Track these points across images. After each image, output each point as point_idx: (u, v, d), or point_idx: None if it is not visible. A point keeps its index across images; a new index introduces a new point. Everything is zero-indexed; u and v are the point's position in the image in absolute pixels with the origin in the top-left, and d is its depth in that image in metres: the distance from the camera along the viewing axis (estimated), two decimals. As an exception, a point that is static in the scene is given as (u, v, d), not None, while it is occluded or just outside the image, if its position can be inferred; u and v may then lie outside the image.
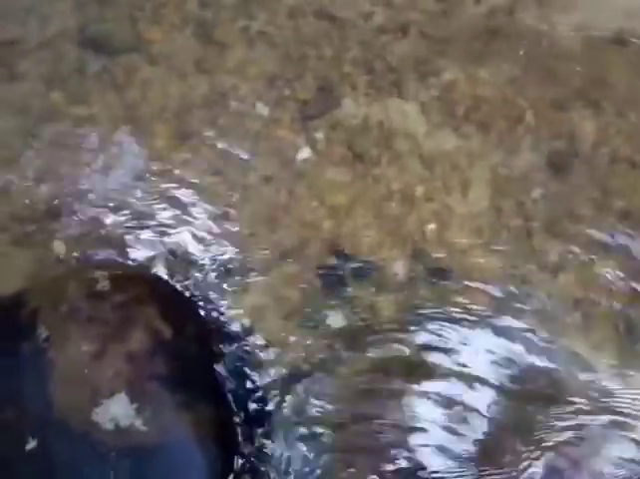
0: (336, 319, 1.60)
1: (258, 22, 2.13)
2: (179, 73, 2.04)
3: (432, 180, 1.82)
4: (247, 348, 1.58)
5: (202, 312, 1.62)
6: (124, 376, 1.25)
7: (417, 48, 2.06)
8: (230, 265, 1.72)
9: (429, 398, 1.50)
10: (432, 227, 1.74)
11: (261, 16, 2.14)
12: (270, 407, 1.50)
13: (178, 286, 1.64)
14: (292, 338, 1.59)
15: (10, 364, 1.28)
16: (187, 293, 1.64)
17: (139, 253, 1.73)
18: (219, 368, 1.51)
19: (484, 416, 1.48)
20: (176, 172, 1.86)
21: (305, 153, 1.88)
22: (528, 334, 1.58)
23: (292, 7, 2.16)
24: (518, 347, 1.56)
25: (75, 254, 1.70)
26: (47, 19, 2.11)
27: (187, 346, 1.37)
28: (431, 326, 1.59)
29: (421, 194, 1.79)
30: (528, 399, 1.50)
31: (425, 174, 1.83)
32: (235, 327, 1.63)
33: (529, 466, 1.43)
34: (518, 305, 1.61)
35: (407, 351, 1.55)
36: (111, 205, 1.80)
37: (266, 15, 2.14)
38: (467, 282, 1.65)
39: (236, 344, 1.58)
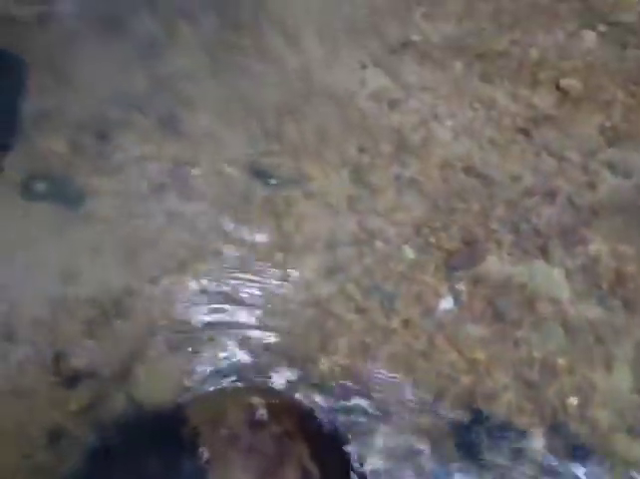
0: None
1: (410, 170, 2.28)
2: (332, 210, 2.19)
3: (574, 351, 1.81)
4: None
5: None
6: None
7: (563, 215, 2.12)
8: (361, 405, 1.75)
9: None
10: (573, 400, 1.72)
11: (413, 165, 2.29)
12: None
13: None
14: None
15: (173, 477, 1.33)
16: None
17: (278, 378, 1.80)
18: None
19: None
20: (321, 304, 1.95)
21: (447, 303, 1.93)
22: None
23: (443, 160, 2.30)
24: None
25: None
26: (221, 146, 2.34)
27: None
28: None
29: (563, 364, 1.78)
30: None
31: (567, 343, 1.83)
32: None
33: None
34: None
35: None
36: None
37: (418, 165, 2.29)
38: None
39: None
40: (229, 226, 2.10)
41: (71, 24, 2.82)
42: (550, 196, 2.18)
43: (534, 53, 2.71)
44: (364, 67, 2.67)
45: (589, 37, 2.78)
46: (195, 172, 2.25)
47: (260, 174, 2.25)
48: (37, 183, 2.14)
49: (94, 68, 2.61)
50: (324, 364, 1.81)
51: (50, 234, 2.06)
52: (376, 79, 2.62)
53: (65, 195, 2.12)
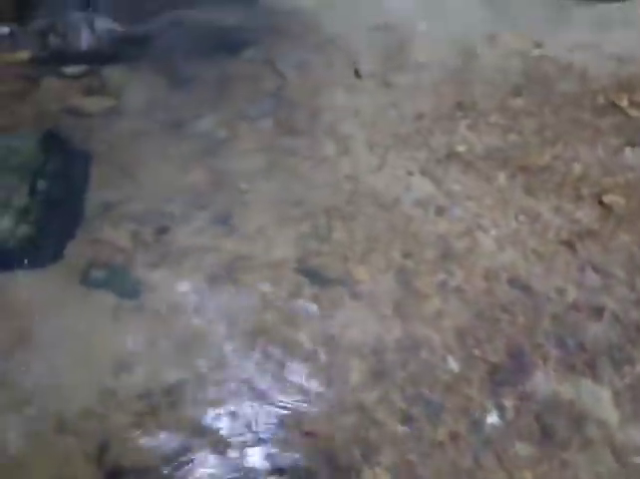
0: None
1: (455, 278, 2.33)
2: (378, 314, 2.23)
3: (624, 477, 1.77)
4: None
5: None
6: None
7: (610, 333, 2.13)
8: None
9: None
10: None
11: (458, 274, 2.34)
12: None
13: None
14: None
15: None
16: None
17: None
18: None
19: None
20: (366, 411, 1.95)
21: (493, 418, 1.92)
22: None
23: (488, 270, 2.34)
24: None
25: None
26: (273, 244, 2.43)
27: None
28: None
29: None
30: None
31: (618, 468, 1.79)
32: None
33: None
34: None
35: None
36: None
37: (463, 274, 2.34)
38: None
39: None
40: (275, 324, 2.15)
41: (137, 120, 3.02)
42: (596, 311, 2.19)
43: (577, 168, 2.80)
44: (410, 174, 2.79)
45: (631, 154, 2.87)
46: (247, 267, 2.33)
47: (309, 273, 2.32)
48: (96, 271, 2.24)
49: (156, 164, 2.77)
50: (367, 476, 1.79)
51: (105, 322, 2.13)
52: (422, 186, 2.73)
53: (122, 285, 2.21)
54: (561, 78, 3.45)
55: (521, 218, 2.55)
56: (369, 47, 3.68)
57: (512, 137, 3.00)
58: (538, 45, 3.76)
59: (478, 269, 2.35)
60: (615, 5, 4.25)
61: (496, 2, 4.27)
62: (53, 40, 3.28)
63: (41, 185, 2.42)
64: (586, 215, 2.56)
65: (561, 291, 2.26)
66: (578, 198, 2.65)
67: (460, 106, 3.22)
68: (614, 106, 3.16)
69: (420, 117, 3.14)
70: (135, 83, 3.23)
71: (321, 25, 3.87)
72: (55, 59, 3.23)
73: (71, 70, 3.18)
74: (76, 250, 2.33)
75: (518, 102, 3.26)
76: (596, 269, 2.33)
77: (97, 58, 3.27)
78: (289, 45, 3.67)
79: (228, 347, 2.09)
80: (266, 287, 2.26)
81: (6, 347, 2.03)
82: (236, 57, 3.50)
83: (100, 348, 2.06)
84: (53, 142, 2.61)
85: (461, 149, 2.92)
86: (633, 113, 3.11)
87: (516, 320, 2.19)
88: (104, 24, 3.35)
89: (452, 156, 2.88)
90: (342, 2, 4.16)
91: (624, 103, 3.17)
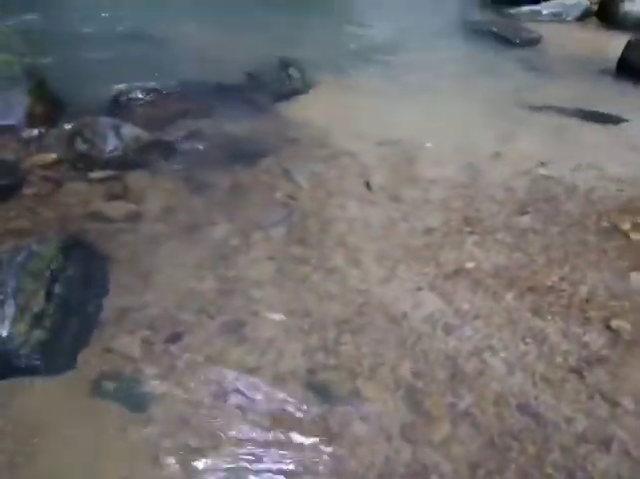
0: None
1: (464, 402, 2.32)
2: (386, 435, 2.20)
3: None
4: None
5: None
6: None
7: (620, 466, 2.09)
8: None
9: None
10: None
11: (468, 397, 2.34)
12: None
13: None
14: None
15: None
16: None
17: None
18: None
19: None
20: None
21: None
22: None
23: (498, 395, 2.34)
24: None
25: None
26: (281, 355, 2.45)
27: None
28: None
29: None
30: None
31: None
32: None
33: None
34: None
35: None
36: None
37: (472, 397, 2.33)
38: None
39: None
40: (282, 442, 2.13)
41: (156, 225, 3.12)
42: (605, 444, 2.16)
43: (584, 290, 2.85)
44: (419, 289, 2.84)
45: (637, 278, 2.93)
46: (255, 379, 2.33)
47: (316, 388, 2.32)
48: (106, 382, 2.24)
49: (171, 269, 2.84)
50: None
51: (111, 433, 2.11)
52: (431, 302, 2.77)
53: (131, 397, 2.21)
54: (566, 198, 3.58)
55: (529, 340, 2.58)
56: (378, 161, 3.85)
57: (519, 255, 3.07)
58: (543, 164, 3.92)
59: (487, 393, 2.35)
60: (619, 126, 4.47)
61: (500, 121, 4.50)
62: (80, 144, 3.44)
63: (59, 289, 2.47)
64: (594, 340, 2.59)
65: (570, 421, 2.25)
66: (586, 321, 2.68)
67: (467, 222, 3.32)
68: (617, 229, 3.26)
69: (428, 231, 3.24)
70: (155, 188, 3.36)
71: (332, 138, 4.07)
72: (81, 163, 3.38)
73: (95, 174, 3.32)
74: (88, 359, 2.35)
75: (524, 220, 3.36)
76: (605, 398, 2.32)
77: (121, 163, 3.42)
78: (302, 156, 3.84)
79: (234, 465, 2.06)
80: (274, 405, 2.26)
81: (12, 460, 2.01)
82: (252, 166, 3.66)
83: (104, 459, 2.04)
84: (74, 247, 2.68)
85: (469, 265, 2.98)
86: (636, 236, 3.20)
87: (526, 450, 2.16)
88: (129, 130, 3.53)
89: (460, 272, 2.95)
90: (350, 118, 4.40)
91: (627, 226, 3.27)
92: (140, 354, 2.38)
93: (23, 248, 2.57)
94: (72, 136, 3.55)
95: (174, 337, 2.48)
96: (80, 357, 2.35)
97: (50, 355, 2.29)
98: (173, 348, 2.43)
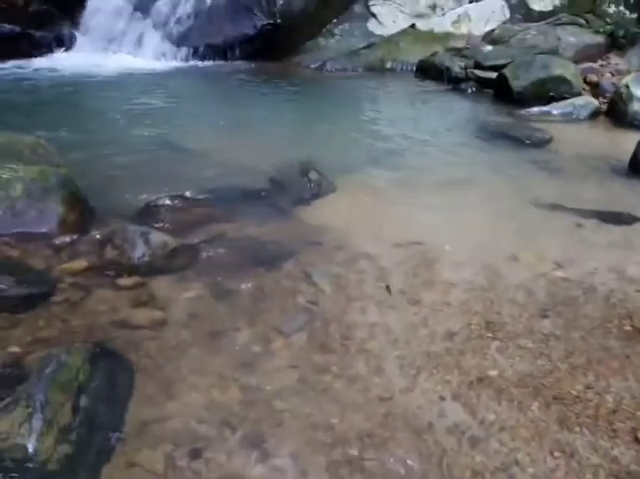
0: None
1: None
2: None
3: None
4: None
5: None
6: None
7: None
8: None
9: None
10: None
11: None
12: None
13: None
14: None
15: None
16: None
17: None
18: None
19: None
20: None
21: None
22: None
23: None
24: None
25: None
26: (304, 473, 2.41)
27: None
28: None
29: None
30: None
31: None
32: None
33: None
34: None
35: None
36: None
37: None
38: None
39: None
40: None
41: (180, 332, 3.18)
42: None
43: (610, 400, 2.81)
44: (442, 399, 2.82)
45: (662, 387, 2.89)
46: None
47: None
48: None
49: (194, 379, 2.87)
50: None
51: None
52: (455, 413, 2.75)
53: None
54: (585, 301, 3.59)
55: (558, 454, 2.52)
56: (397, 264, 3.92)
57: (542, 362, 3.06)
58: (560, 266, 3.97)
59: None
60: (633, 227, 4.54)
61: (515, 222, 4.60)
62: (110, 251, 3.57)
63: (85, 401, 2.50)
64: (623, 453, 2.53)
65: None
66: (614, 433, 2.63)
67: (488, 326, 3.34)
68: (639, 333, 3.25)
69: (450, 336, 3.25)
70: (181, 294, 3.44)
71: (351, 240, 4.17)
72: (110, 270, 3.49)
73: (124, 281, 3.42)
74: (112, 474, 2.34)
75: (546, 324, 3.37)
76: (639, 519, 2.24)
77: (149, 270, 3.53)
78: (322, 259, 3.94)
79: None
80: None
81: None
82: (274, 270, 3.75)
83: None
84: (101, 356, 2.74)
85: (492, 373, 2.97)
86: (659, 342, 3.18)
87: None
88: (157, 237, 3.66)
89: (483, 380, 2.93)
90: (368, 220, 4.53)
91: (650, 330, 3.26)
92: (163, 469, 2.37)
93: (52, 359, 2.63)
94: (102, 243, 3.69)
95: (196, 452, 2.48)
96: (104, 471, 2.35)
97: (74, 472, 2.28)
98: (194, 465, 2.41)
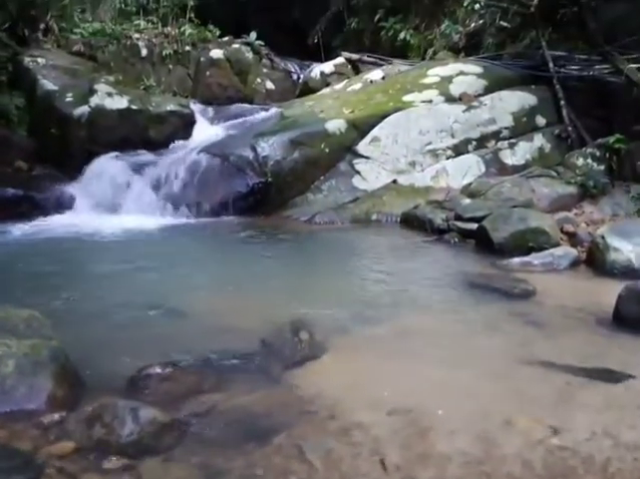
0: None
1: None
2: None
3: None
4: None
5: None
6: None
7: None
8: None
9: None
10: None
11: None
12: None
13: None
14: None
15: None
16: None
17: None
18: None
19: None
20: None
21: None
22: None
23: None
24: None
25: None
26: None
27: None
28: None
29: None
30: None
31: None
32: None
33: None
34: None
35: None
36: None
37: None
38: None
39: None
40: None
41: None
42: None
43: None
44: None
45: None
46: None
47: None
48: None
49: None
50: None
51: None
52: None
53: None
54: (584, 472, 3.53)
55: None
56: (390, 434, 3.87)
57: None
58: (556, 431, 3.93)
59: None
60: (624, 384, 4.55)
61: (504, 382, 4.61)
62: (98, 429, 3.52)
63: None
64: None
65: None
66: None
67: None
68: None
69: None
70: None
71: (342, 408, 4.14)
72: (98, 451, 3.42)
73: (110, 464, 3.35)
74: None
75: None
76: None
77: (137, 450, 3.46)
78: (314, 431, 3.88)
79: None
80: None
81: None
82: (265, 445, 3.68)
83: None
84: None
85: None
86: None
87: None
88: (146, 413, 3.63)
89: None
90: (359, 384, 4.53)
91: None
92: None
93: None
94: (91, 421, 3.64)
95: None
96: None
97: None
98: None
